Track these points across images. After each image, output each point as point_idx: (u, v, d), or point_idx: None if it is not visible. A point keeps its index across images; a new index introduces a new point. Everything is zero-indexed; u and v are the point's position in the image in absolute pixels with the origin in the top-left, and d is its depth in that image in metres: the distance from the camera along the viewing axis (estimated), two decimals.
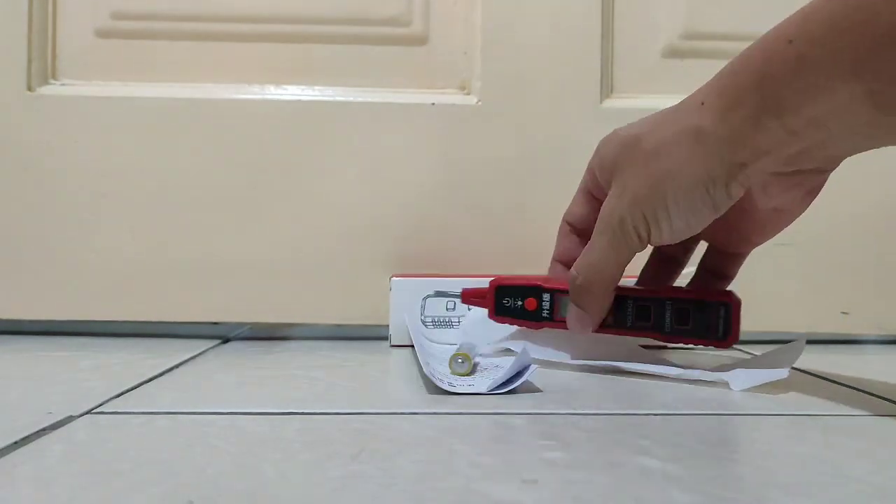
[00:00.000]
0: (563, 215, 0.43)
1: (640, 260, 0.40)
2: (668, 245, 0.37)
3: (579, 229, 0.42)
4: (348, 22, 0.54)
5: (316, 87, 0.54)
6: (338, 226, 0.53)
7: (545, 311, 0.42)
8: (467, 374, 0.38)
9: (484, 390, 0.34)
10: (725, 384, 0.37)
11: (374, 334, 0.53)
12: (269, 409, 0.31)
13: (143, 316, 0.53)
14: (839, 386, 0.39)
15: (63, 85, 0.53)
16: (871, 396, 0.36)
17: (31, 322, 0.53)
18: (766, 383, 0.36)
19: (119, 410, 0.31)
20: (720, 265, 0.41)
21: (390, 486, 0.22)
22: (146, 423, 0.29)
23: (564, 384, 0.37)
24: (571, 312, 0.40)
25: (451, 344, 0.47)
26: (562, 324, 0.41)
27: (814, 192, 0.35)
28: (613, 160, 0.37)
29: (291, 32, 0.54)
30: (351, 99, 0.53)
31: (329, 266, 0.53)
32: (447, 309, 0.49)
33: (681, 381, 0.38)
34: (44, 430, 0.28)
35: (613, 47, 0.55)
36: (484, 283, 0.44)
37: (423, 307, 0.49)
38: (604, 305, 0.39)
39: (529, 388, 0.35)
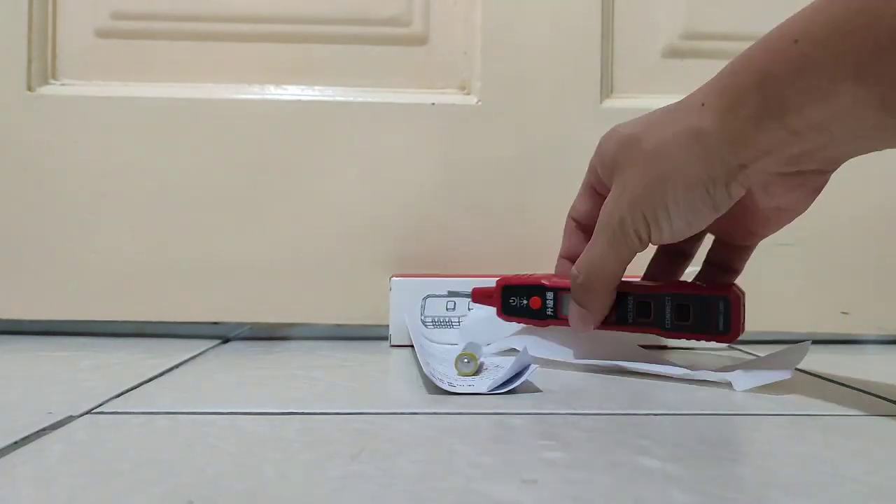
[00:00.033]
0: (568, 212, 0.43)
1: (645, 257, 0.40)
2: None
3: (584, 225, 0.42)
4: (348, 22, 0.54)
5: (316, 87, 0.54)
6: (338, 226, 0.53)
7: (549, 310, 0.42)
8: (473, 375, 0.38)
9: (484, 390, 0.34)
10: (728, 384, 0.37)
11: (374, 334, 0.53)
12: (269, 409, 0.31)
13: (143, 316, 0.53)
14: (839, 386, 0.38)
15: (63, 85, 0.53)
16: (870, 396, 0.36)
17: (31, 322, 0.53)
18: (768, 384, 0.36)
19: (119, 410, 0.31)
20: (727, 258, 0.40)
21: (390, 486, 0.22)
22: (146, 423, 0.29)
23: (564, 384, 0.37)
24: (573, 311, 0.40)
25: (451, 344, 0.48)
26: (566, 321, 0.41)
27: (816, 191, 0.35)
28: (613, 158, 0.37)
29: (291, 32, 0.54)
30: (351, 99, 0.53)
31: (329, 266, 0.53)
32: (447, 309, 0.49)
33: (683, 382, 0.38)
34: (44, 430, 0.28)
35: (613, 47, 0.55)
36: (487, 282, 0.44)
37: (423, 307, 0.49)
38: (605, 303, 0.39)
39: (529, 388, 0.35)
